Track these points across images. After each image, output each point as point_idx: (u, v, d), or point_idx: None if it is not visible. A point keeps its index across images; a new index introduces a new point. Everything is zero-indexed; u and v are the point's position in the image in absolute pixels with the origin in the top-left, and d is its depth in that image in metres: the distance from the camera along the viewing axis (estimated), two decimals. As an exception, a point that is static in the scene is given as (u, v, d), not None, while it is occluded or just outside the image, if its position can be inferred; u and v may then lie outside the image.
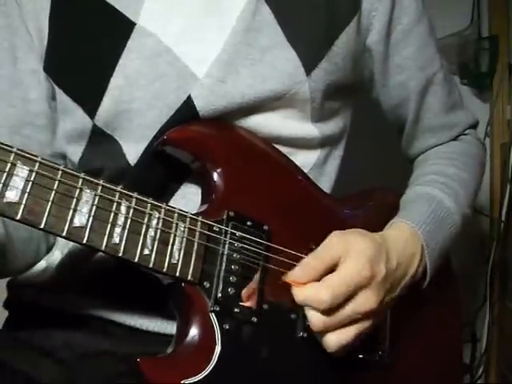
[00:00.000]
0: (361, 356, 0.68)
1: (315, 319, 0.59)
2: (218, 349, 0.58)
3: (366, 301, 0.60)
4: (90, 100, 0.68)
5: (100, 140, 0.70)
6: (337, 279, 0.59)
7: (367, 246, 0.61)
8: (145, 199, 0.57)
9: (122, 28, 0.68)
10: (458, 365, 0.86)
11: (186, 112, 0.66)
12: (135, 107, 0.67)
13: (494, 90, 1.50)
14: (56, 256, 0.75)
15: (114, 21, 0.68)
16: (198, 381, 0.56)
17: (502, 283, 1.40)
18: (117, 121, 0.68)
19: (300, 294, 0.59)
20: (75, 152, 0.73)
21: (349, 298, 0.59)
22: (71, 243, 0.66)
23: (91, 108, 0.68)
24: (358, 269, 0.59)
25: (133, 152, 0.68)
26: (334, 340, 0.60)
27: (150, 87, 0.67)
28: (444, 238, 0.72)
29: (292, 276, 0.60)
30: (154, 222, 0.57)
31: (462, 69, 1.50)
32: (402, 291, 0.67)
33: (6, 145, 0.50)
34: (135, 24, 0.67)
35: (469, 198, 0.78)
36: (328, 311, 0.59)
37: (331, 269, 0.60)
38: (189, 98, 0.66)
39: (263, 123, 0.70)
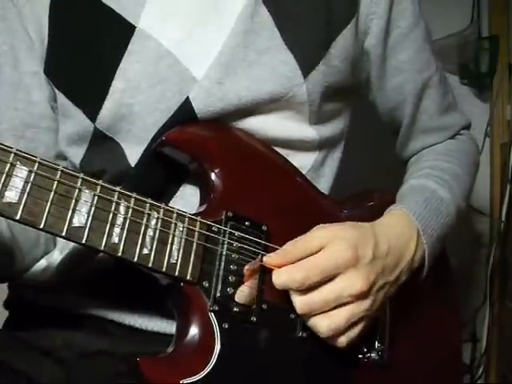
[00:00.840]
0: (360, 356, 0.69)
1: (297, 301, 0.59)
2: (217, 348, 0.58)
3: (351, 282, 0.60)
4: (90, 103, 0.69)
5: (101, 142, 0.70)
6: (312, 259, 0.60)
7: (351, 233, 0.62)
8: (144, 199, 0.58)
9: (122, 31, 0.68)
10: (458, 364, 0.86)
11: (185, 113, 0.66)
12: (136, 110, 0.67)
13: (494, 90, 1.50)
14: (56, 256, 0.75)
15: (114, 24, 0.68)
16: (198, 380, 0.56)
17: (502, 283, 1.40)
18: (118, 124, 0.68)
19: (275, 276, 0.60)
20: (76, 154, 0.73)
21: (329, 279, 0.59)
22: (71, 243, 0.67)
23: (92, 111, 0.68)
24: (339, 251, 0.60)
25: (134, 154, 0.68)
26: (323, 323, 0.60)
27: (150, 90, 0.67)
28: (440, 227, 0.72)
29: (267, 259, 0.61)
30: (153, 221, 0.57)
31: (462, 69, 1.50)
32: (401, 278, 0.66)
33: (5, 145, 0.50)
34: (135, 27, 0.68)
35: (463, 192, 0.78)
36: (309, 292, 0.59)
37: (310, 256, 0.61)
38: (187, 99, 0.66)
39: (260, 125, 0.70)
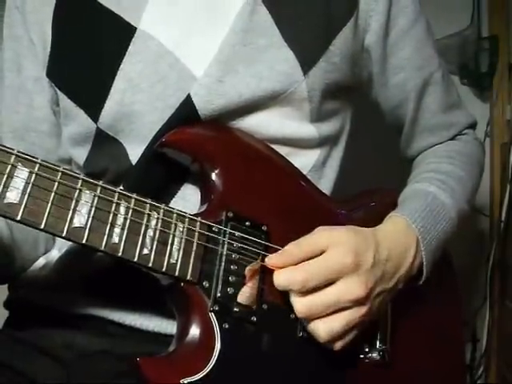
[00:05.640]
0: (362, 356, 0.69)
1: (297, 304, 0.60)
2: (217, 348, 0.58)
3: (351, 288, 0.60)
4: (92, 104, 0.69)
5: (104, 142, 0.71)
6: (313, 262, 0.60)
7: (353, 238, 0.62)
8: (144, 200, 0.58)
9: (123, 33, 0.69)
10: (460, 364, 0.86)
11: (186, 111, 0.67)
12: (137, 110, 0.68)
13: (494, 90, 1.50)
14: (54, 254, 0.75)
15: (115, 26, 0.69)
16: (197, 380, 0.56)
17: (502, 283, 1.40)
18: (120, 123, 0.69)
19: (276, 277, 0.60)
20: (80, 155, 0.74)
21: (329, 283, 0.60)
22: (70, 242, 0.67)
23: (94, 112, 0.69)
24: (340, 256, 0.60)
25: (136, 153, 0.69)
26: (322, 327, 0.60)
27: (151, 90, 0.68)
28: (440, 233, 0.72)
29: (269, 260, 0.62)
30: (153, 222, 0.58)
31: (462, 69, 1.50)
32: (398, 285, 0.67)
33: (6, 147, 0.51)
34: (136, 28, 0.68)
35: (466, 195, 0.78)
36: (309, 295, 0.59)
37: (312, 258, 0.61)
38: (188, 97, 0.66)
39: (261, 123, 0.70)
